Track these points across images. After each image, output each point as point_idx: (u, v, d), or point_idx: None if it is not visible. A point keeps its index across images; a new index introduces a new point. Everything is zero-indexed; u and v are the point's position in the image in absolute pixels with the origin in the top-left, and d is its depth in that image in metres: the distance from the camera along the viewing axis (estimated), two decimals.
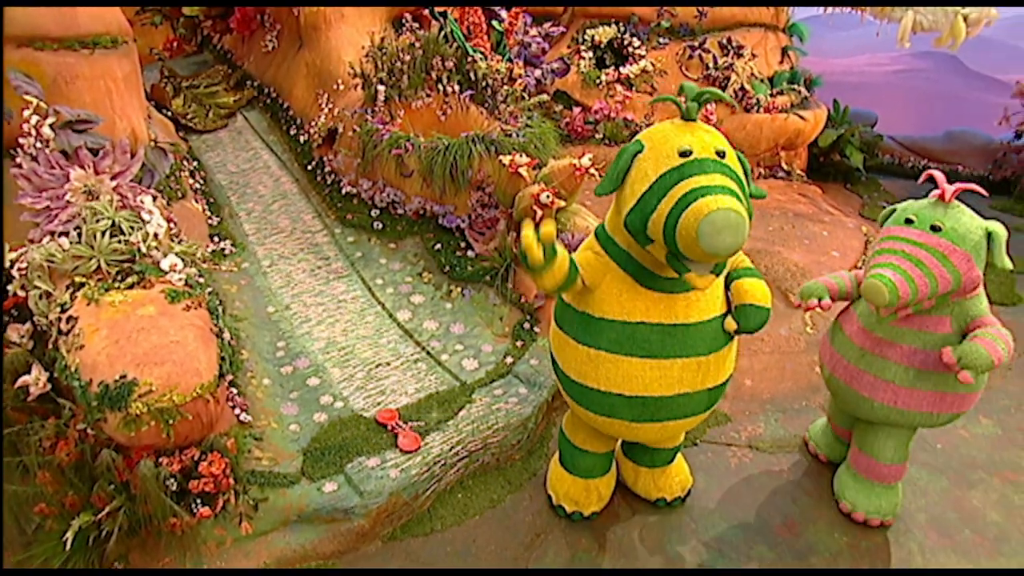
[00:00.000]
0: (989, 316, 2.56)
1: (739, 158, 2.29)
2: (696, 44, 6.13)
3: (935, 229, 2.42)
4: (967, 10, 4.97)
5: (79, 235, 2.88)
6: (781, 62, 6.41)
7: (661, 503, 2.98)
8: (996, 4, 5.19)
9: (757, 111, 5.97)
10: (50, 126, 3.13)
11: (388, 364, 3.54)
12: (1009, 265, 2.44)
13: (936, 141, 7.01)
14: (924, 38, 5.41)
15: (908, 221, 2.49)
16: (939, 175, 2.56)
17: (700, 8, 6.17)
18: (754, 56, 6.20)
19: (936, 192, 2.49)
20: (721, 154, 2.15)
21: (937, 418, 2.67)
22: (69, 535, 2.43)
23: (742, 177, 2.22)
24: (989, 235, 2.42)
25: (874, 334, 2.68)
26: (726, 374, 2.51)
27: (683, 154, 2.11)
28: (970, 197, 2.51)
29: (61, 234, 2.89)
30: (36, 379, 2.70)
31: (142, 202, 3.00)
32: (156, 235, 2.92)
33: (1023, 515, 2.98)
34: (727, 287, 2.46)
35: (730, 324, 2.40)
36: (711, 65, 6.04)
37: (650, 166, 2.15)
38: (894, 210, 2.65)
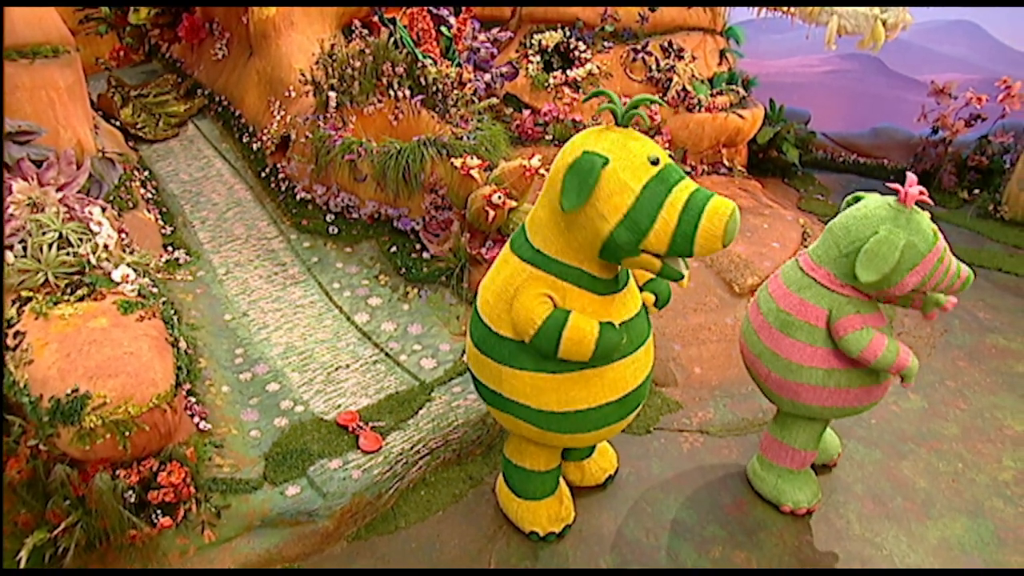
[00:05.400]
0: None
1: None
2: (639, 47, 6.32)
3: None
4: (885, 15, 5.32)
5: (24, 248, 2.81)
6: (720, 64, 6.66)
7: (609, 482, 3.15)
8: (911, 4, 5.55)
9: (699, 111, 6.19)
10: None
11: (347, 367, 3.57)
12: None
13: (863, 137, 7.39)
14: (849, 41, 5.74)
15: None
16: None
17: (641, 13, 6.37)
18: (694, 58, 6.43)
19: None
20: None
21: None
22: (23, 554, 2.39)
23: None
24: None
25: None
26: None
27: (653, 162, 2.12)
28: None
29: (5, 248, 2.83)
30: None
31: (91, 213, 2.95)
32: (106, 246, 2.88)
33: (947, 480, 3.23)
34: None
35: (648, 298, 2.62)
36: (654, 67, 6.24)
37: (629, 177, 2.09)
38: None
